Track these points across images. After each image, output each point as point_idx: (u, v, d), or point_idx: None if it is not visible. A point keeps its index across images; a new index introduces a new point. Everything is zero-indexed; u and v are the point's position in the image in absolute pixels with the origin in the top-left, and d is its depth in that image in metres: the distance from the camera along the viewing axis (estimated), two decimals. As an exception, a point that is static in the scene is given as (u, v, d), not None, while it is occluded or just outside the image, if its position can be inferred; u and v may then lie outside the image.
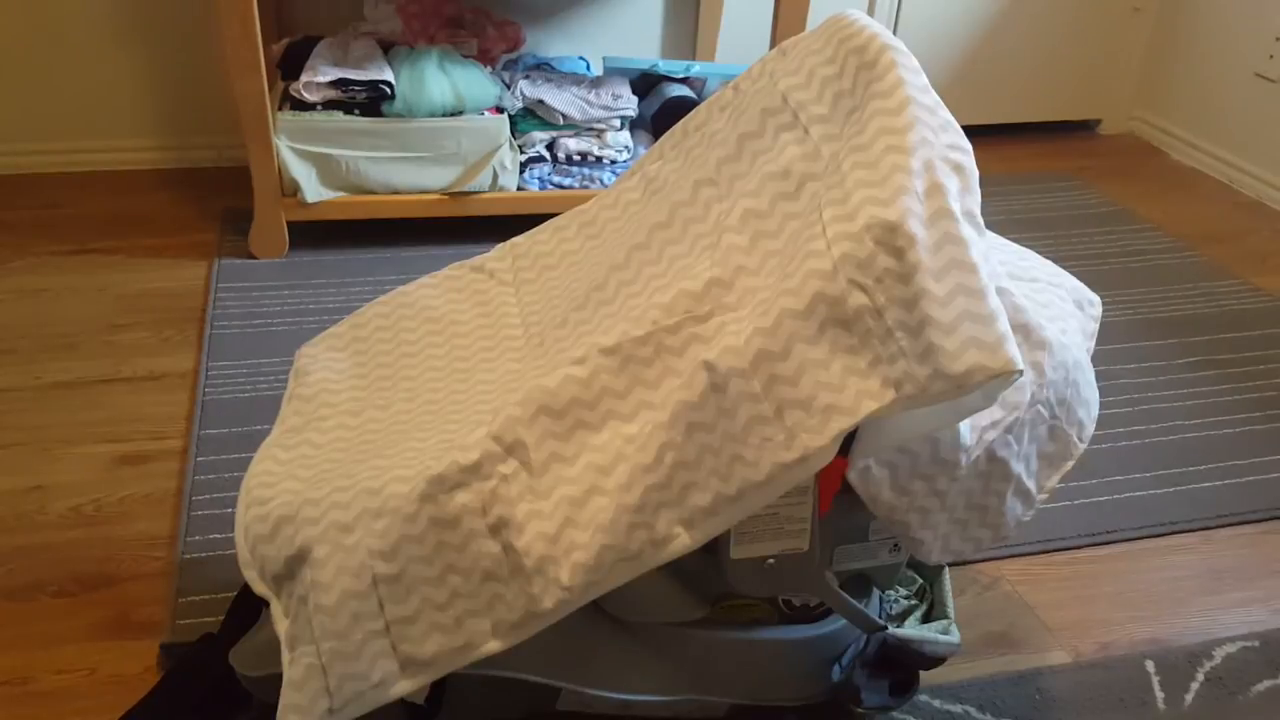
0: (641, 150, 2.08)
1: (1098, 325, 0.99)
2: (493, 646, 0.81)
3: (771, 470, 0.76)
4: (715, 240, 0.86)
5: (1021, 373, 0.73)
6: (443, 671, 0.82)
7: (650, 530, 0.78)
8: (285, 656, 0.80)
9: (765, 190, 0.85)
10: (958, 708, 1.15)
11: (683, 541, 0.78)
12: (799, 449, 0.75)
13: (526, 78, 2.07)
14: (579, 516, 0.80)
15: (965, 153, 0.80)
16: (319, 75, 1.88)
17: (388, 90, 1.89)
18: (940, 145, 0.78)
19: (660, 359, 0.82)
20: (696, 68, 2.16)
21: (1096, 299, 1.01)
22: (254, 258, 1.96)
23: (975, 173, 0.80)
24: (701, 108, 1.01)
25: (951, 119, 0.82)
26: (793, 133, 0.88)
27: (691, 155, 0.98)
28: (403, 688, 0.81)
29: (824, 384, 0.75)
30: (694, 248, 0.89)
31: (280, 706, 0.79)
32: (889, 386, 0.74)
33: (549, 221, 1.11)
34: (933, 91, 0.83)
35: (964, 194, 0.78)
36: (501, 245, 1.13)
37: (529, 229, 1.14)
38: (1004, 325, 0.73)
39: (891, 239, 0.74)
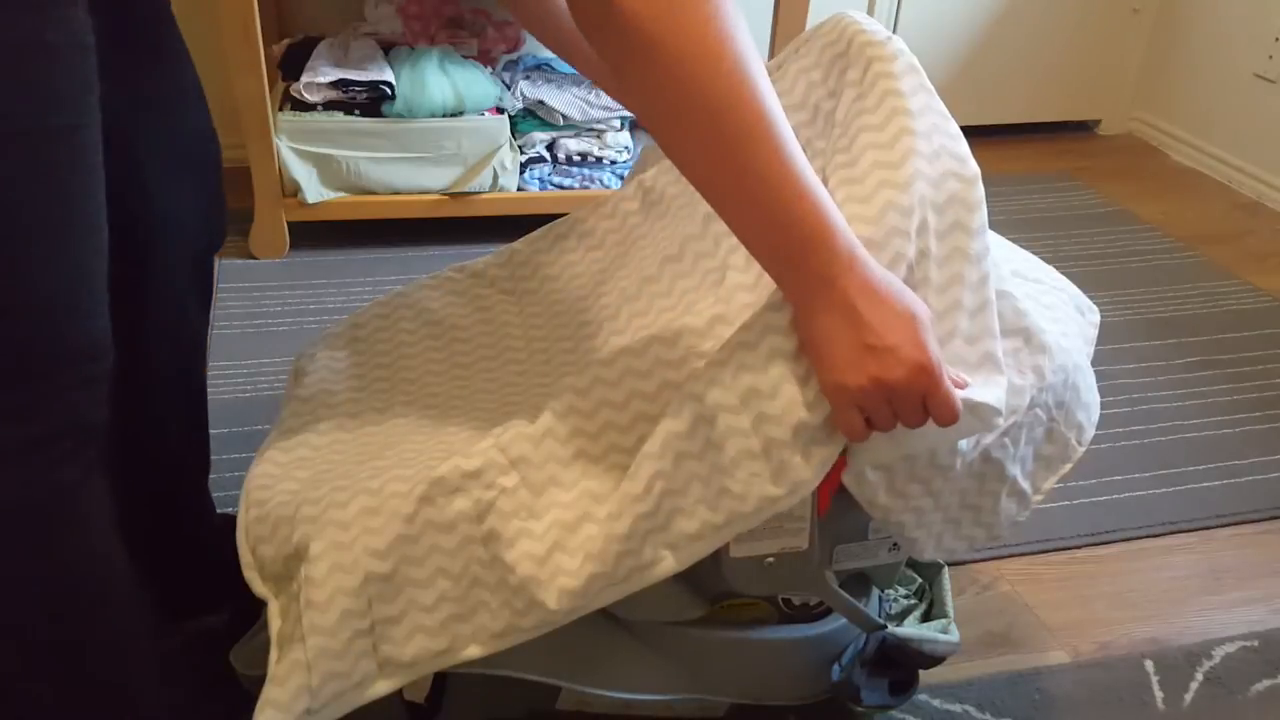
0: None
1: (1096, 333, 0.99)
2: (474, 652, 0.81)
3: (759, 503, 0.76)
4: (720, 277, 0.87)
5: (1001, 414, 0.76)
6: (421, 674, 0.82)
7: (637, 557, 0.79)
8: (273, 654, 0.80)
9: None
10: (957, 707, 1.15)
11: (668, 565, 0.79)
12: (786, 484, 0.75)
13: (527, 78, 2.07)
14: (569, 542, 0.80)
15: (961, 179, 0.80)
16: (319, 76, 1.88)
17: (388, 91, 1.89)
18: (934, 176, 0.79)
19: (663, 394, 0.83)
20: (696, 68, 2.16)
21: (1095, 308, 1.01)
22: (254, 258, 1.96)
23: (975, 193, 0.80)
24: None
25: (952, 130, 0.82)
26: None
27: None
28: (379, 689, 0.81)
29: (809, 424, 0.75)
30: (703, 282, 0.90)
31: (260, 701, 0.79)
32: None
33: (547, 228, 1.11)
34: (927, 94, 0.82)
35: (954, 229, 0.78)
36: (501, 250, 1.13)
37: (529, 229, 1.14)
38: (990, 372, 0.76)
39: None
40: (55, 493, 0.71)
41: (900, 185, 0.77)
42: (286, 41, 2.05)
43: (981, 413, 0.76)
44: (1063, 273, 1.04)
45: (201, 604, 1.10)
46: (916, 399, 0.72)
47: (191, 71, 0.95)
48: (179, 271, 0.97)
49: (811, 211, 0.70)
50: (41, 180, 0.65)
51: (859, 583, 0.99)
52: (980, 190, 0.80)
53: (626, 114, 2.04)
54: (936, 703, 1.15)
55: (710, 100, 0.67)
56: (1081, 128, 2.84)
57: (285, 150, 1.88)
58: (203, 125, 0.97)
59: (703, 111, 0.68)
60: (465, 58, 2.01)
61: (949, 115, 0.83)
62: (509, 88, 2.04)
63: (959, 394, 0.74)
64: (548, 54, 2.35)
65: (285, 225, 1.95)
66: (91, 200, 0.69)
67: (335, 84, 1.88)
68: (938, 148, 0.80)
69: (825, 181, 0.85)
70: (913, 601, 1.10)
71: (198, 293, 1.03)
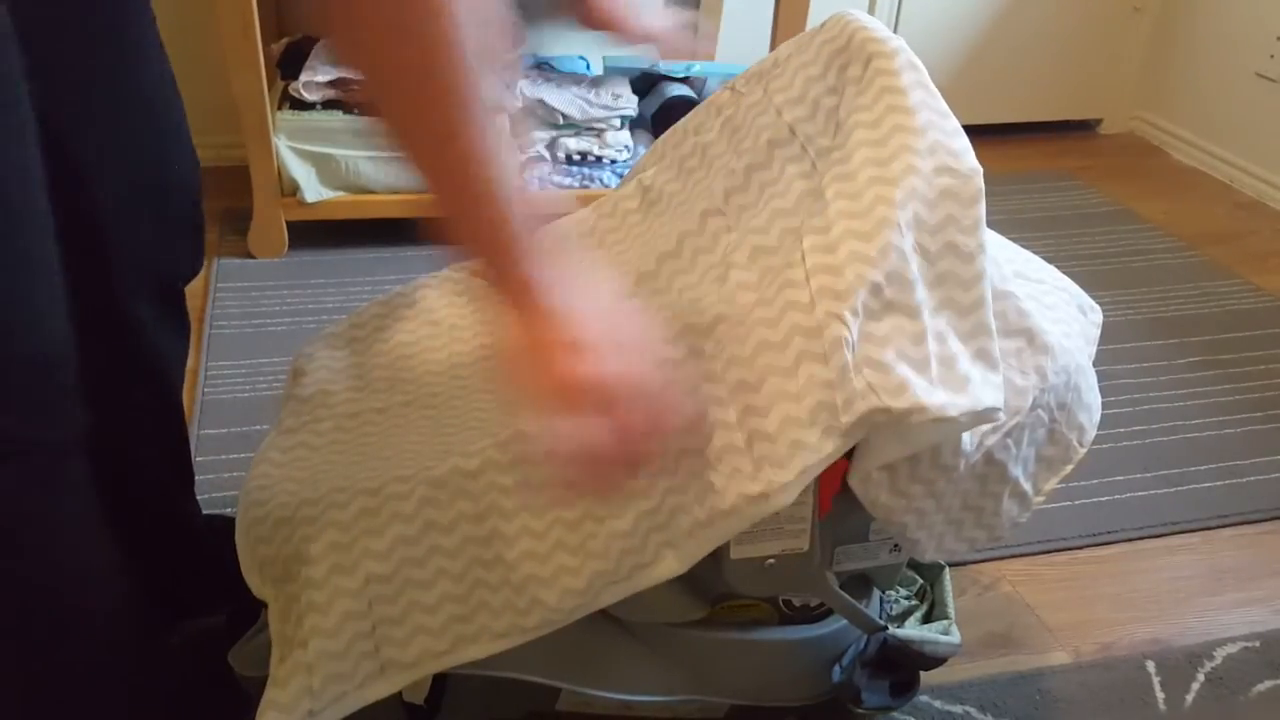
0: (642, 150, 2.07)
1: (1099, 332, 0.99)
2: (476, 652, 0.81)
3: (736, 501, 0.75)
4: (723, 274, 0.87)
5: (995, 410, 0.76)
6: (423, 674, 0.82)
7: (639, 555, 0.78)
8: (274, 656, 0.80)
9: (774, 226, 0.84)
10: (958, 708, 1.14)
11: (669, 565, 0.78)
12: (763, 482, 0.75)
13: (526, 77, 2.06)
14: (570, 540, 0.80)
15: (955, 174, 0.79)
16: (319, 74, 1.88)
17: (387, 90, 1.88)
18: (927, 171, 0.78)
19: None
20: (696, 68, 2.16)
21: (1097, 307, 1.01)
22: (253, 257, 1.96)
23: (970, 188, 0.79)
24: (699, 109, 1.01)
25: (949, 127, 0.81)
26: (799, 165, 0.88)
27: (694, 177, 0.97)
28: (381, 689, 0.81)
29: (794, 419, 0.74)
30: (703, 279, 0.89)
31: (262, 703, 0.79)
32: (862, 425, 0.73)
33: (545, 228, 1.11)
34: (925, 91, 0.82)
35: (947, 224, 0.78)
36: None
37: (528, 229, 1.13)
38: (969, 368, 0.76)
39: (873, 273, 0.74)
40: (14, 513, 0.69)
41: (891, 180, 0.77)
42: (285, 40, 2.04)
43: (984, 417, 0.76)
44: (1064, 272, 1.03)
45: (198, 606, 1.10)
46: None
47: (163, 98, 0.90)
48: (140, 299, 0.94)
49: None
50: None
51: (860, 584, 0.98)
52: (977, 185, 0.79)
53: (627, 113, 2.04)
54: (938, 704, 1.15)
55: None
56: (1083, 127, 2.84)
57: (284, 149, 1.88)
58: (170, 151, 0.92)
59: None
60: (465, 57, 2.00)
61: (948, 113, 0.82)
62: (508, 86, 2.04)
63: (962, 403, 0.73)
64: (548, 53, 2.34)
65: (284, 224, 1.95)
66: (30, 190, 0.63)
67: (334, 82, 1.88)
68: (932, 143, 0.80)
69: (821, 180, 0.84)
70: (914, 602, 1.10)
71: (169, 321, 1.00)
